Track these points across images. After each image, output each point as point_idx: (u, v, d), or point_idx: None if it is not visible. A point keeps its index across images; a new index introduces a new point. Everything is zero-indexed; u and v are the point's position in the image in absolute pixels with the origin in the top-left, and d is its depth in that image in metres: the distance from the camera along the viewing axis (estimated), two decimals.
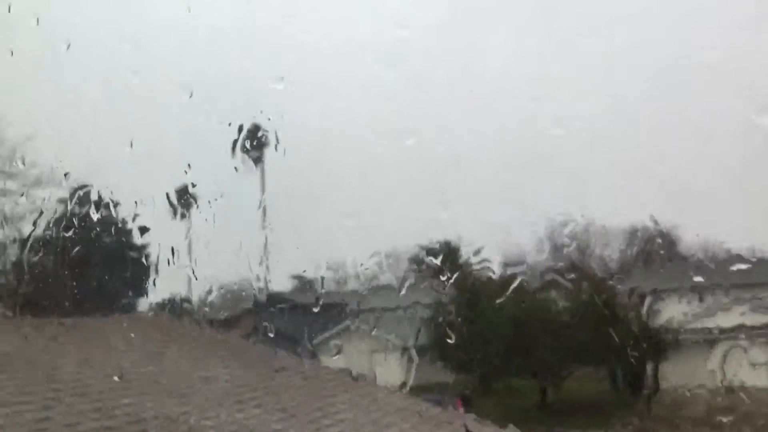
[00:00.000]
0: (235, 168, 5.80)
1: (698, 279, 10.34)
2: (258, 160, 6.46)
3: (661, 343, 12.13)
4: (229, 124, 5.81)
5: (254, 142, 6.13)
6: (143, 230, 6.66)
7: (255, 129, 6.26)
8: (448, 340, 12.30)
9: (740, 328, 11.48)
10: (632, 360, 11.71)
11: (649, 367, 12.29)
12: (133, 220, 6.68)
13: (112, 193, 6.77)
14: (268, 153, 6.14)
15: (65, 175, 7.44)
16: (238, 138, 6.17)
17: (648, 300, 13.13)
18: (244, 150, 6.31)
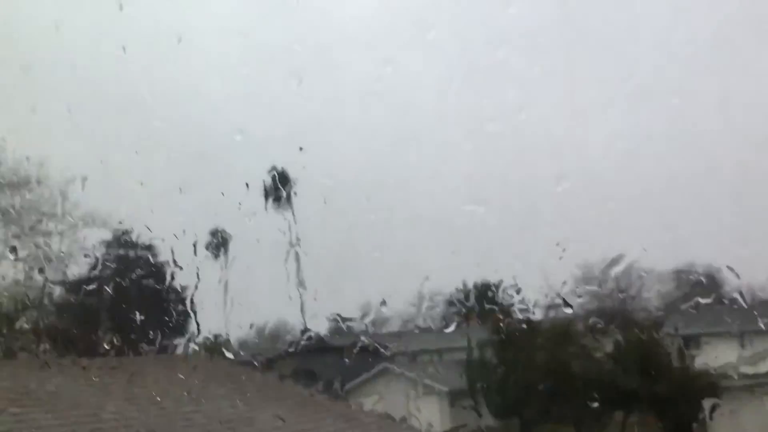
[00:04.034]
0: (291, 215, 5.92)
1: (745, 323, 10.04)
2: (288, 201, 6.54)
3: (708, 390, 11.75)
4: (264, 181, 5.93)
5: (286, 189, 6.21)
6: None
7: (283, 178, 6.36)
8: (490, 385, 12.08)
9: None
10: (680, 407, 11.34)
11: (699, 415, 11.88)
12: (175, 264, 6.77)
13: (151, 235, 6.91)
14: (307, 202, 6.21)
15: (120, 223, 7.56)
16: (277, 187, 6.27)
17: (694, 345, 12.78)
18: (277, 196, 6.40)
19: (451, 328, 11.16)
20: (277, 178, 7.07)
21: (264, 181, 6.95)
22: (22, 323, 8.64)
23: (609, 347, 13.66)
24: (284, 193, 7.14)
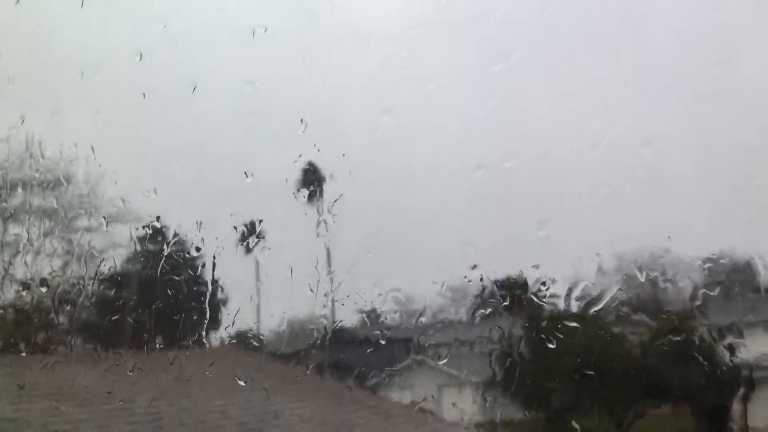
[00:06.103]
0: (323, 222, 6.04)
1: None
2: (314, 196, 6.56)
3: (744, 381, 11.57)
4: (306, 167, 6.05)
5: (316, 182, 6.26)
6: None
7: (314, 169, 6.41)
8: (519, 376, 12.02)
9: None
10: (713, 398, 11.19)
11: (736, 406, 11.71)
12: (215, 260, 6.86)
13: (180, 226, 7.08)
14: (332, 190, 6.24)
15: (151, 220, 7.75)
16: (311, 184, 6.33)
17: (729, 335, 12.59)
18: (310, 193, 6.45)
19: (482, 320, 11.12)
20: (311, 172, 7.09)
21: (304, 170, 6.99)
22: (59, 318, 8.81)
23: (642, 336, 13.50)
24: (316, 188, 7.16)
